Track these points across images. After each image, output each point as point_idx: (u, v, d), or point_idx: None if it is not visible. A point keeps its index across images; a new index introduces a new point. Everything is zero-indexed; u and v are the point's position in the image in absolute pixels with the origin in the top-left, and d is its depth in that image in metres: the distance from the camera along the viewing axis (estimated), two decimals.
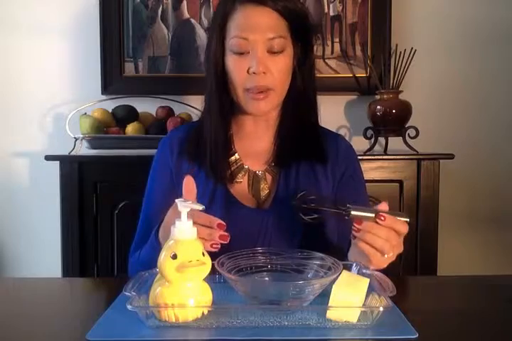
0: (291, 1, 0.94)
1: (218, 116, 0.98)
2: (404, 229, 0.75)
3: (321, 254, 0.77)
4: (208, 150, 0.98)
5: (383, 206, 0.75)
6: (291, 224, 0.96)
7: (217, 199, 0.97)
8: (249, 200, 0.99)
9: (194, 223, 0.68)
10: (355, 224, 0.74)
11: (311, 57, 1.01)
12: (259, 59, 0.91)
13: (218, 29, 0.95)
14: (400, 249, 0.77)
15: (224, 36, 0.95)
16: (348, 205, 0.74)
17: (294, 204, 0.81)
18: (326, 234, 0.98)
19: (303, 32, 0.97)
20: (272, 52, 0.93)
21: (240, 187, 1.00)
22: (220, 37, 0.95)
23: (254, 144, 1.04)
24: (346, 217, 0.74)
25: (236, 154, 1.02)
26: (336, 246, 0.97)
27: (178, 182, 1.00)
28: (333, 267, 0.72)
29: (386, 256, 0.75)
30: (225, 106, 0.98)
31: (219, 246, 0.73)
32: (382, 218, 0.73)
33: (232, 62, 0.94)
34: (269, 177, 1.01)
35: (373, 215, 0.73)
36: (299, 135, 1.01)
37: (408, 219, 0.76)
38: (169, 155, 1.03)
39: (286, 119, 1.02)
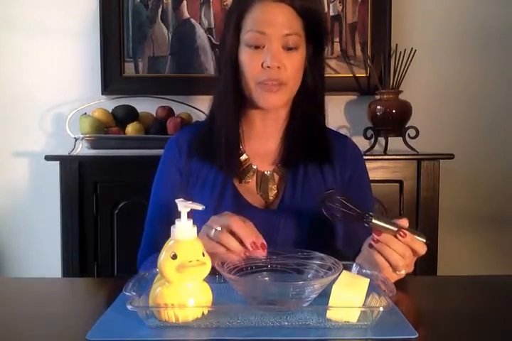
0: (308, 0, 0.94)
1: (231, 110, 0.98)
2: (423, 250, 0.75)
3: (321, 254, 0.77)
4: (220, 148, 0.98)
5: (404, 222, 0.75)
6: (299, 225, 0.96)
7: (226, 200, 0.97)
8: (257, 201, 0.99)
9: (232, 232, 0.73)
10: (374, 235, 0.74)
11: (322, 58, 1.02)
12: (274, 53, 0.92)
13: (235, 23, 0.95)
14: (411, 269, 0.78)
15: (240, 30, 0.95)
16: (370, 213, 0.74)
17: (320, 200, 0.81)
18: (333, 237, 0.98)
19: (317, 32, 0.97)
20: (286, 48, 0.93)
21: (249, 187, 1.00)
22: (236, 31, 0.95)
23: (262, 144, 1.04)
24: (366, 225, 0.74)
25: (245, 154, 1.02)
26: (340, 249, 0.97)
27: (188, 181, 1.00)
28: (333, 267, 0.72)
29: (397, 272, 0.76)
30: (237, 101, 0.98)
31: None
32: (403, 234, 0.73)
33: (246, 55, 0.94)
34: (277, 177, 1.02)
35: (394, 229, 0.73)
36: (307, 136, 1.01)
37: (425, 240, 0.76)
38: (178, 154, 1.02)
39: (295, 120, 1.03)
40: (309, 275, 0.76)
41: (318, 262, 0.76)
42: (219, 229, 0.74)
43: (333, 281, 0.66)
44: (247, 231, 0.73)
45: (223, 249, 0.73)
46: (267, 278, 0.77)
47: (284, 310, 0.65)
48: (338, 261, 0.73)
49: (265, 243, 0.73)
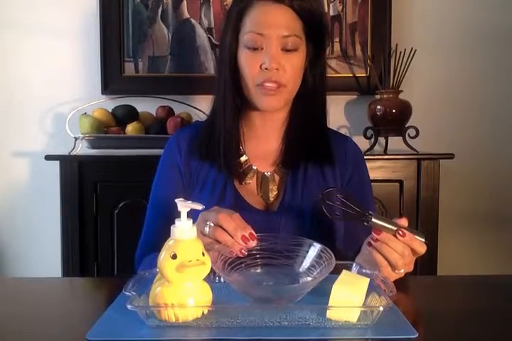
0: (307, 1, 0.94)
1: (230, 111, 0.98)
2: (422, 249, 0.75)
3: (315, 243, 0.77)
4: (220, 149, 0.98)
5: (403, 221, 0.75)
6: (299, 226, 0.96)
7: (226, 201, 0.97)
8: (257, 202, 0.99)
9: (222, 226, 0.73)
10: (374, 234, 0.74)
11: (323, 59, 1.01)
12: (272, 55, 0.91)
13: (234, 23, 0.95)
14: (410, 268, 0.78)
15: (239, 31, 0.95)
16: (370, 212, 0.75)
17: (319, 198, 0.81)
18: (334, 237, 0.98)
19: (317, 33, 0.97)
20: (285, 50, 0.92)
21: (249, 188, 1.00)
22: (235, 32, 0.95)
23: (262, 145, 1.04)
24: (366, 223, 0.74)
25: (245, 155, 1.02)
26: (340, 249, 0.97)
27: (188, 181, 1.00)
28: (327, 258, 0.72)
29: (396, 271, 0.76)
30: (237, 102, 0.98)
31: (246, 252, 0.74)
32: (402, 233, 0.73)
33: (245, 57, 0.94)
34: (277, 178, 1.02)
35: (394, 228, 0.74)
36: (307, 136, 1.01)
37: (424, 240, 0.76)
38: (177, 153, 1.02)
39: (295, 120, 1.02)
40: (304, 265, 0.76)
41: (311, 252, 0.76)
42: (212, 225, 0.75)
43: (333, 281, 0.66)
44: (234, 225, 0.73)
45: (219, 245, 0.74)
46: (259, 271, 0.77)
47: (283, 310, 0.65)
48: (332, 254, 0.73)
49: (254, 232, 0.74)
